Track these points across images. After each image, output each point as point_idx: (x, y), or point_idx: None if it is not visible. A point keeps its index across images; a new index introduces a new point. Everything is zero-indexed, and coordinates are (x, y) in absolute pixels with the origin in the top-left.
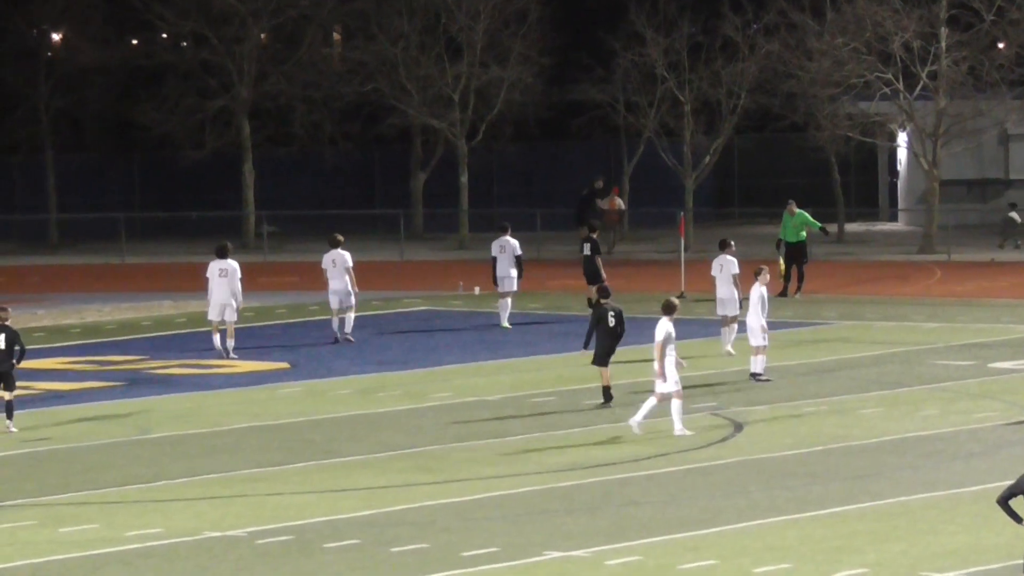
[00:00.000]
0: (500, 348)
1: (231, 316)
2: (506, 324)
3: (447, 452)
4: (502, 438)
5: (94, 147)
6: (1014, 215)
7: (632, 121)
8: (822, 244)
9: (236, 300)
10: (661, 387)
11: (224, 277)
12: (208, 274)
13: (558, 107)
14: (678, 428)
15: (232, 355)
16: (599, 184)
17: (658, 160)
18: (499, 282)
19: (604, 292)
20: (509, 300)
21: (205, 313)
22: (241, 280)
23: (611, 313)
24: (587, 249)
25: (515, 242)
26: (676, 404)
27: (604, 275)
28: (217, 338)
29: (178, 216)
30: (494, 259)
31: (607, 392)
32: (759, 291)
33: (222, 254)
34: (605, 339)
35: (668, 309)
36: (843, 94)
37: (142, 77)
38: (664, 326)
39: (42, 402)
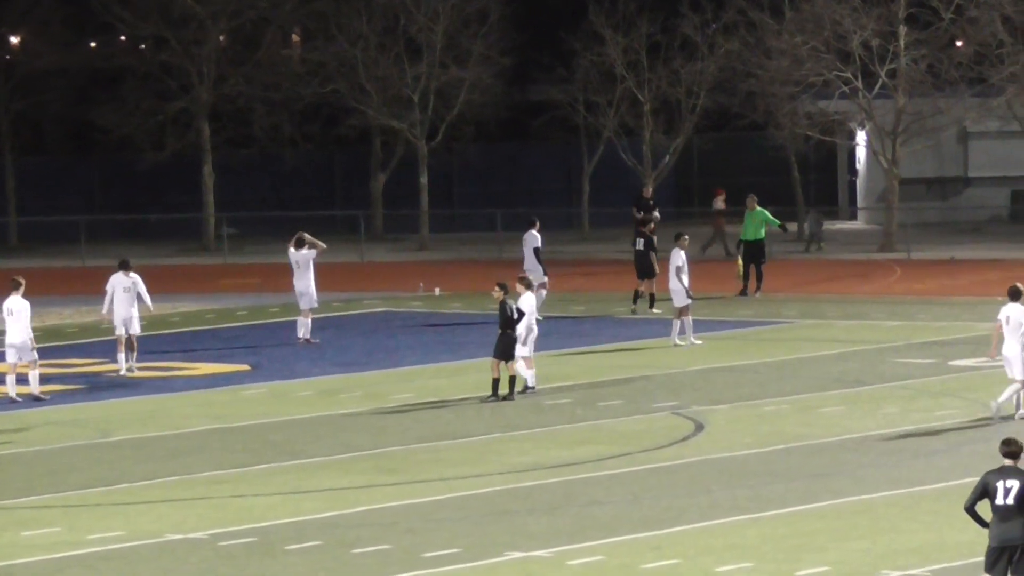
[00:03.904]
0: (461, 349)
1: (135, 329)
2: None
3: (409, 453)
4: (464, 439)
5: (54, 150)
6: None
7: (592, 121)
8: (781, 243)
9: (141, 311)
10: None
11: (128, 292)
12: (109, 287)
13: (518, 107)
14: (1021, 412)
15: (135, 368)
16: (648, 192)
17: (618, 160)
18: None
19: (504, 287)
20: (542, 292)
21: (166, 316)
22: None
23: (515, 307)
24: (640, 244)
25: (535, 235)
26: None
27: (657, 271)
28: (123, 355)
29: (138, 218)
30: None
31: (496, 384)
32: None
33: (125, 268)
34: (509, 333)
35: (1015, 295)
36: (802, 93)
37: (101, 79)
38: (1009, 311)
39: (2, 406)
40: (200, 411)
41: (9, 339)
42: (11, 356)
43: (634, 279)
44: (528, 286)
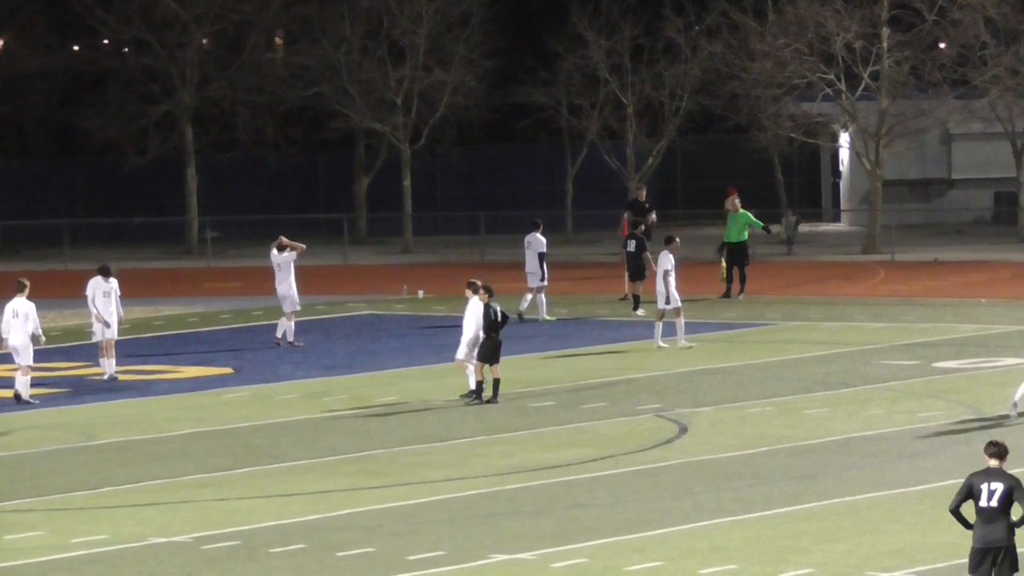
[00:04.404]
0: (444, 352)
1: (112, 334)
2: (547, 316)
3: (393, 456)
4: (448, 441)
5: (37, 153)
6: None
7: (575, 124)
8: (765, 245)
9: (118, 318)
10: None
11: (108, 297)
12: (89, 291)
13: (501, 110)
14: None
15: (114, 373)
16: (642, 195)
17: (601, 163)
18: (526, 276)
19: (488, 291)
20: (542, 296)
21: (149, 319)
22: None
23: (499, 310)
24: (632, 246)
25: (540, 239)
26: None
27: (646, 275)
28: (104, 361)
29: (121, 222)
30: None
31: (480, 387)
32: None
33: (105, 274)
34: (494, 337)
35: None
36: (785, 95)
37: (85, 83)
38: None
39: None
40: (184, 414)
41: (12, 341)
42: (16, 358)
43: (622, 281)
44: (476, 291)
